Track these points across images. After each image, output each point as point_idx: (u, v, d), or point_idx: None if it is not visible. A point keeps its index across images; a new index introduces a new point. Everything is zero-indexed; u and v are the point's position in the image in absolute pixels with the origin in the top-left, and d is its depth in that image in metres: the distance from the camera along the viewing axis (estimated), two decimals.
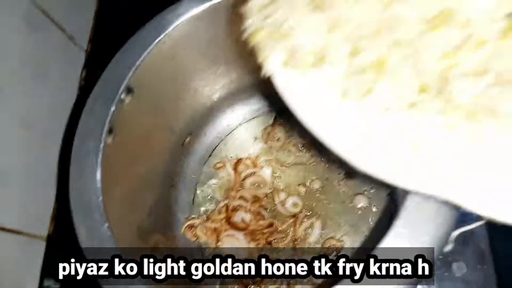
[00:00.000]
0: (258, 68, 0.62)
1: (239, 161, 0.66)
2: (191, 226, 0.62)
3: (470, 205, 0.28)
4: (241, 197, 0.63)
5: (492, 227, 0.53)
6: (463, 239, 0.52)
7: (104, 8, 0.85)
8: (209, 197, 0.68)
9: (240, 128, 0.71)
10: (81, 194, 0.41)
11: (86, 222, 0.40)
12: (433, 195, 0.30)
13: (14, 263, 0.62)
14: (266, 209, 0.63)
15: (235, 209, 0.61)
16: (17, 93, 0.64)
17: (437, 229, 0.34)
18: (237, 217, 0.61)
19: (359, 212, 0.60)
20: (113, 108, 0.45)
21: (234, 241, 0.61)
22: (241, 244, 0.60)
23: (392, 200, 0.57)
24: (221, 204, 0.64)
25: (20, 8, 0.65)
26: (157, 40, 0.49)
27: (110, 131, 0.46)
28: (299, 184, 0.63)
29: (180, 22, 0.50)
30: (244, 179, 0.64)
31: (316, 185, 0.63)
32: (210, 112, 0.69)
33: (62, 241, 0.69)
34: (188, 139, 0.68)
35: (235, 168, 0.65)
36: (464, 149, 0.29)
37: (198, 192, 0.69)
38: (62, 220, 0.70)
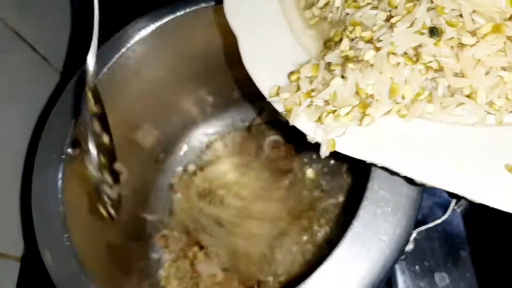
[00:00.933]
0: (230, 81, 0.64)
1: None
2: (164, 236, 0.61)
3: None
4: None
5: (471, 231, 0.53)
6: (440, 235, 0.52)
7: (78, 29, 0.86)
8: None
9: (215, 144, 0.71)
10: (42, 205, 0.41)
11: (47, 232, 0.40)
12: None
13: None
14: None
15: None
16: None
17: (394, 227, 0.34)
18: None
19: None
20: (74, 120, 0.45)
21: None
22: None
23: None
24: None
25: None
26: (118, 55, 0.49)
27: (74, 144, 0.46)
28: None
29: (142, 36, 0.51)
30: None
31: None
32: (184, 128, 0.69)
33: (35, 262, 0.68)
34: (162, 155, 0.68)
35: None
36: None
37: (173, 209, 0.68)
38: (34, 240, 0.69)
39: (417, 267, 0.53)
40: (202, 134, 0.71)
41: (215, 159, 0.68)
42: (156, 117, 0.63)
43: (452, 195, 0.42)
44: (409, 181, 0.33)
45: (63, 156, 0.44)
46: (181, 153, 0.70)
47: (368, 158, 0.32)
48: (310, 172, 0.61)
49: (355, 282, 0.33)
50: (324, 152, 0.32)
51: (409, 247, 0.41)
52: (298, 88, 0.33)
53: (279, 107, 0.35)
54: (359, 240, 0.34)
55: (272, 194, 0.60)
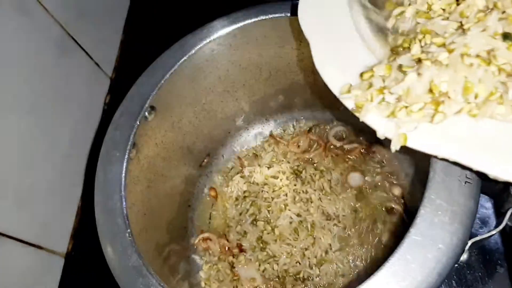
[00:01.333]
0: (278, 91, 0.66)
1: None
2: (205, 239, 0.63)
3: None
4: None
5: (509, 248, 0.53)
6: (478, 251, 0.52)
7: (129, 39, 0.91)
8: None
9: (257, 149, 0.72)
10: (106, 201, 0.43)
11: (110, 228, 0.42)
12: None
13: (33, 277, 0.63)
14: None
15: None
16: (46, 112, 0.68)
17: (452, 236, 0.34)
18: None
19: None
20: (137, 123, 0.48)
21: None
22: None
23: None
24: None
25: (53, 33, 0.70)
26: (179, 62, 0.52)
27: (133, 146, 0.49)
28: None
29: (201, 46, 0.53)
30: None
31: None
32: (228, 135, 0.72)
33: (80, 259, 0.71)
34: (206, 160, 0.70)
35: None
36: None
37: (213, 213, 0.70)
38: (81, 238, 0.72)
39: (453, 282, 0.53)
40: (245, 140, 0.73)
41: (258, 164, 0.69)
42: (205, 123, 0.65)
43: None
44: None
45: (126, 156, 0.46)
46: (224, 158, 0.72)
47: (440, 153, 0.33)
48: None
49: None
50: (395, 146, 0.34)
51: (464, 257, 0.41)
52: (370, 86, 0.35)
53: (349, 104, 0.36)
54: (416, 247, 0.35)
55: (322, 200, 0.61)
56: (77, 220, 0.73)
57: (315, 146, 0.67)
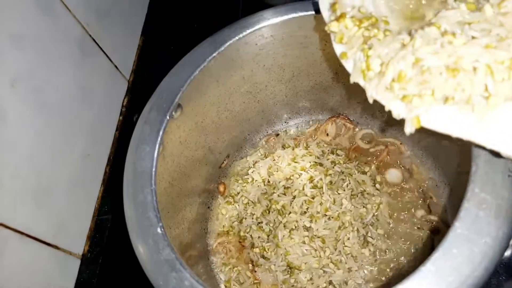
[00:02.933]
0: (300, 92, 0.66)
1: None
2: (222, 243, 0.62)
3: None
4: None
5: None
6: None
7: (147, 43, 0.91)
8: None
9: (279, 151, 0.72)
10: (136, 195, 0.43)
11: (141, 222, 0.41)
12: None
13: (49, 277, 0.62)
14: None
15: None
16: (67, 112, 0.67)
17: (497, 230, 0.34)
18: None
19: None
20: (167, 118, 0.47)
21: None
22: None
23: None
24: None
25: (75, 34, 0.70)
26: (208, 59, 0.52)
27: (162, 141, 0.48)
28: None
29: (230, 43, 0.53)
30: None
31: None
32: (248, 137, 0.71)
33: (96, 261, 0.70)
34: (225, 161, 0.69)
35: None
36: None
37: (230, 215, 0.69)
38: (97, 240, 0.71)
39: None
40: (265, 141, 0.72)
41: (277, 165, 0.68)
42: (227, 123, 0.65)
43: None
44: None
45: (156, 151, 0.45)
46: (244, 159, 0.71)
47: (455, 133, 0.33)
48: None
49: (456, 285, 0.33)
50: (409, 128, 0.34)
51: (508, 252, 0.40)
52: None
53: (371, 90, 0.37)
54: (461, 241, 0.34)
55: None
56: (94, 220, 0.72)
57: (343, 130, 0.66)
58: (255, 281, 0.61)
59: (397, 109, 0.35)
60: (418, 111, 0.34)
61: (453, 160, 0.57)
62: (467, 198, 0.35)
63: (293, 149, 0.66)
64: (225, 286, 0.61)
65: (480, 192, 0.35)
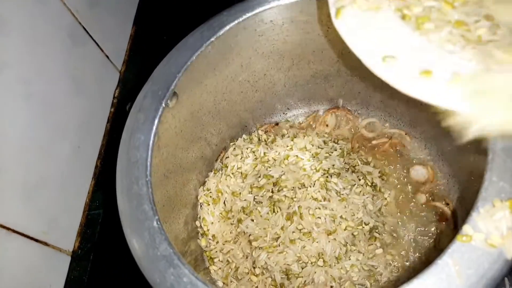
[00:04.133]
0: (299, 82, 0.64)
1: None
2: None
3: None
4: None
5: None
6: None
7: (139, 33, 0.88)
8: None
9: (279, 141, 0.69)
10: (130, 186, 0.40)
11: (136, 215, 0.38)
12: None
13: (38, 275, 0.59)
14: None
15: None
16: (56, 103, 0.64)
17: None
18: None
19: None
20: (162, 106, 0.45)
21: None
22: None
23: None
24: None
25: (64, 21, 0.67)
26: (206, 43, 0.49)
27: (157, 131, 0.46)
28: None
29: (228, 28, 0.51)
30: None
31: None
32: (245, 128, 0.69)
33: (87, 257, 0.67)
34: (222, 154, 0.67)
35: None
36: None
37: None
38: (88, 236, 0.68)
39: None
40: (264, 131, 0.69)
41: (277, 155, 0.65)
42: (224, 114, 0.62)
43: None
44: None
45: (151, 140, 0.43)
46: (240, 152, 0.68)
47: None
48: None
49: (476, 278, 0.31)
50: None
51: None
52: None
53: None
54: (480, 232, 0.32)
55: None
56: (85, 216, 0.69)
57: (344, 121, 0.64)
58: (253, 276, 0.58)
59: None
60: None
61: (460, 151, 0.55)
62: (485, 187, 0.33)
63: (292, 139, 0.63)
64: (223, 283, 0.59)
65: (499, 181, 0.33)
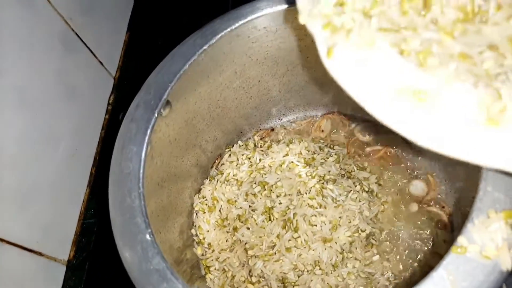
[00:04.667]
0: (294, 88, 0.63)
1: None
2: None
3: None
4: None
5: None
6: None
7: (133, 39, 0.87)
8: None
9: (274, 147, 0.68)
10: (123, 198, 0.39)
11: (128, 228, 0.38)
12: None
13: (32, 286, 0.59)
14: None
15: None
16: (49, 110, 0.64)
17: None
18: None
19: None
20: (155, 116, 0.44)
21: None
22: None
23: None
24: None
25: (56, 28, 0.66)
26: (198, 52, 0.49)
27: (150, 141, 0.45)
28: None
29: (221, 35, 0.50)
30: None
31: None
32: (240, 134, 0.68)
33: (82, 267, 0.66)
34: (217, 161, 0.66)
35: None
36: None
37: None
38: (83, 245, 0.68)
39: None
40: (259, 137, 0.69)
41: (272, 161, 0.64)
42: (218, 121, 0.62)
43: None
44: None
45: (144, 151, 0.42)
46: (236, 158, 0.68)
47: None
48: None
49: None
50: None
51: None
52: None
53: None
54: (474, 244, 0.31)
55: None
56: (79, 225, 0.69)
57: (340, 126, 0.64)
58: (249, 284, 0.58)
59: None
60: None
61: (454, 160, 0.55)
62: (479, 197, 0.33)
63: (287, 145, 0.63)
64: None
65: (494, 191, 0.33)
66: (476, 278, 0.30)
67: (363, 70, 0.33)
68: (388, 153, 0.60)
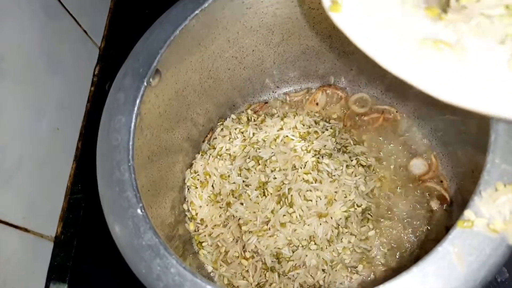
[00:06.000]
0: (289, 58, 0.61)
1: None
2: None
3: None
4: None
5: None
6: None
7: (119, 6, 0.83)
8: None
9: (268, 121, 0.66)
10: (112, 172, 0.37)
11: (119, 202, 0.36)
12: None
13: (19, 263, 0.57)
14: None
15: None
16: (31, 82, 0.60)
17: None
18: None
19: None
20: (144, 85, 0.42)
21: None
22: None
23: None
24: None
25: None
26: (190, 17, 0.46)
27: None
28: None
29: (209, 3, 0.47)
30: None
31: None
32: (233, 107, 0.66)
33: (70, 243, 0.64)
34: (209, 135, 0.64)
35: None
36: None
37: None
38: (71, 220, 0.66)
39: None
40: (252, 110, 0.67)
41: (266, 135, 0.62)
42: (210, 93, 0.59)
43: None
44: None
45: (133, 122, 0.40)
46: (229, 132, 0.65)
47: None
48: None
49: (478, 265, 0.30)
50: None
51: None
52: None
53: None
54: (481, 218, 0.30)
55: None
56: (67, 200, 0.67)
57: (335, 99, 0.62)
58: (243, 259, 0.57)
59: None
60: None
61: (453, 129, 0.54)
62: (487, 170, 0.31)
63: (282, 119, 0.61)
64: (212, 267, 0.57)
65: (501, 163, 0.31)
66: (483, 252, 0.29)
67: (376, 21, 0.31)
68: (386, 119, 0.58)
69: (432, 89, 0.29)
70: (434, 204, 0.53)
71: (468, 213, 0.31)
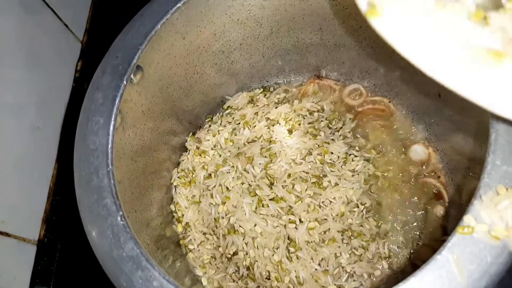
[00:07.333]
0: (278, 52, 0.58)
1: None
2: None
3: None
4: None
5: None
6: None
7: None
8: None
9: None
10: (89, 177, 0.35)
11: (97, 210, 0.34)
12: None
13: (1, 268, 0.54)
14: None
15: None
16: (9, 78, 0.58)
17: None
18: None
19: None
20: (123, 83, 0.39)
21: None
22: None
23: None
24: None
25: None
26: (172, 10, 0.43)
27: (118, 112, 0.40)
28: None
29: None
30: None
31: None
32: (221, 103, 0.64)
33: (54, 246, 0.62)
34: (196, 132, 0.62)
35: None
36: None
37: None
38: (54, 223, 0.63)
39: None
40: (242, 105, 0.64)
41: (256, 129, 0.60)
42: (196, 88, 0.57)
43: None
44: None
45: (112, 123, 0.37)
46: (216, 129, 0.63)
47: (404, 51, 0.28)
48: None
49: (479, 274, 0.28)
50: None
51: None
52: None
53: None
54: (482, 224, 0.28)
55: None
56: (49, 202, 0.64)
57: (328, 91, 0.60)
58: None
59: None
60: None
61: (449, 124, 0.52)
62: (487, 172, 0.29)
63: (272, 113, 0.59)
64: (201, 270, 0.55)
65: (502, 165, 0.30)
66: (484, 261, 0.28)
67: (419, 26, 0.28)
68: (382, 111, 0.56)
69: (497, 107, 0.27)
70: (431, 201, 0.51)
71: (468, 219, 0.29)
